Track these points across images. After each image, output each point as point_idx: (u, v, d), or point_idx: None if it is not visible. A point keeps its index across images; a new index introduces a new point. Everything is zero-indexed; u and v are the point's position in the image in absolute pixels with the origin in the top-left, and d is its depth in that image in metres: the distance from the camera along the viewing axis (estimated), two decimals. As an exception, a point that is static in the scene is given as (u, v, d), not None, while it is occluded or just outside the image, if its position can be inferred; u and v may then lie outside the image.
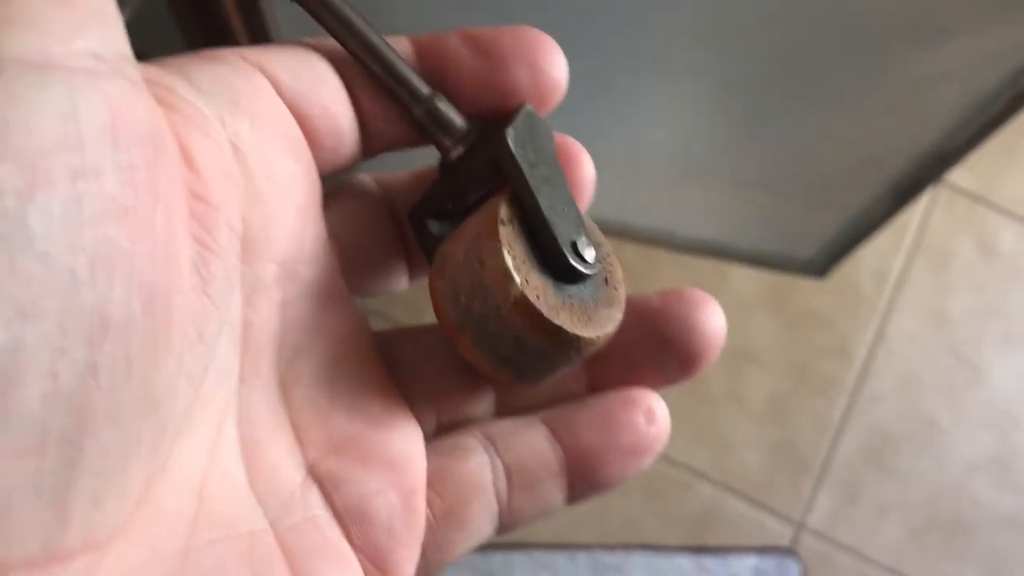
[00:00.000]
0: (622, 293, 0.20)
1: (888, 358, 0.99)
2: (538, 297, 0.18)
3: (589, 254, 0.19)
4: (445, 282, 0.19)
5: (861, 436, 0.97)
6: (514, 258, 0.18)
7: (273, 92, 0.18)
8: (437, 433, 0.20)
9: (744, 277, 0.99)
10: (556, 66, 0.19)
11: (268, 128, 0.18)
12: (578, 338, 0.18)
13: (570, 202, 0.19)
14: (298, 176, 0.18)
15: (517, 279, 0.18)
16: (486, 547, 0.84)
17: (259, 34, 0.57)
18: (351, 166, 0.20)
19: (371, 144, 0.20)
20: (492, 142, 0.19)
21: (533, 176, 0.18)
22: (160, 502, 0.16)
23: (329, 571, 0.18)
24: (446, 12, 0.47)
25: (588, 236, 0.19)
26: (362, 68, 0.19)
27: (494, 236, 0.18)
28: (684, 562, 0.88)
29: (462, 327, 0.18)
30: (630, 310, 0.20)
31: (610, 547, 0.87)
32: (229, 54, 0.18)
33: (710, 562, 0.88)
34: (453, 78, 0.19)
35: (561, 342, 0.18)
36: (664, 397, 0.21)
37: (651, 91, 0.55)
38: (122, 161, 0.14)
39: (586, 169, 0.20)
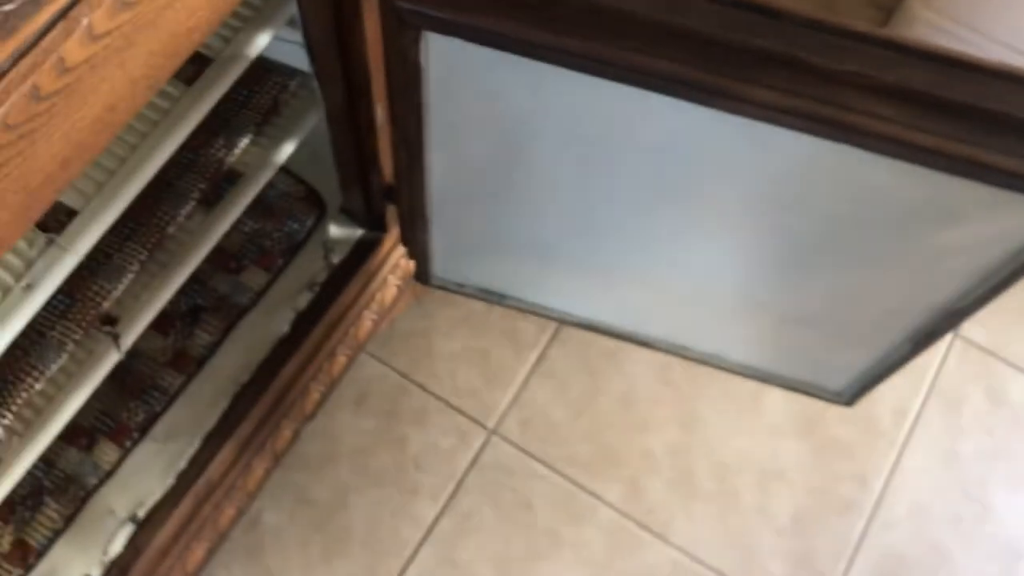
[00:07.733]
0: None
1: (902, 488, 1.10)
2: None
3: None
4: None
5: (875, 557, 1.07)
6: None
7: None
8: None
9: (777, 401, 1.11)
10: None
11: None
12: None
13: None
14: None
15: None
16: None
17: (415, 176, 0.72)
18: None
19: None
20: None
21: None
22: None
23: None
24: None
25: None
26: None
27: None
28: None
29: None
30: None
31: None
32: None
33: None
34: None
35: None
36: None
37: (724, 243, 0.69)
38: None
39: None
